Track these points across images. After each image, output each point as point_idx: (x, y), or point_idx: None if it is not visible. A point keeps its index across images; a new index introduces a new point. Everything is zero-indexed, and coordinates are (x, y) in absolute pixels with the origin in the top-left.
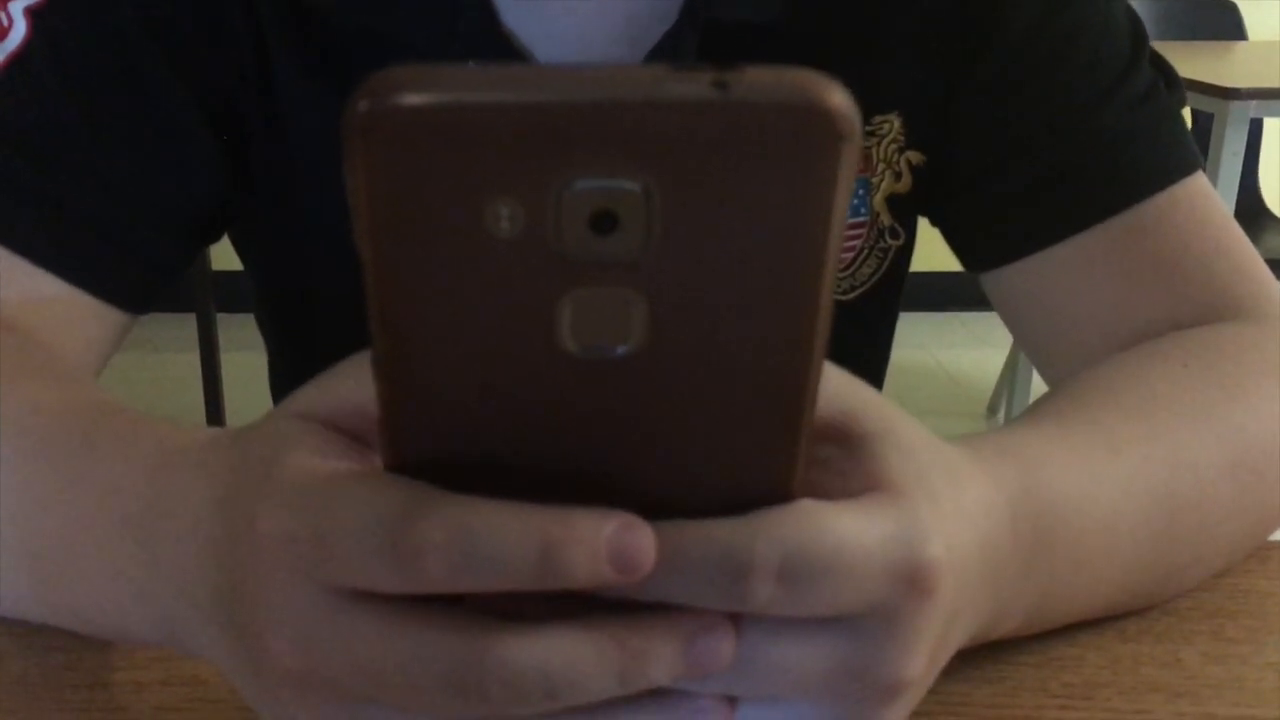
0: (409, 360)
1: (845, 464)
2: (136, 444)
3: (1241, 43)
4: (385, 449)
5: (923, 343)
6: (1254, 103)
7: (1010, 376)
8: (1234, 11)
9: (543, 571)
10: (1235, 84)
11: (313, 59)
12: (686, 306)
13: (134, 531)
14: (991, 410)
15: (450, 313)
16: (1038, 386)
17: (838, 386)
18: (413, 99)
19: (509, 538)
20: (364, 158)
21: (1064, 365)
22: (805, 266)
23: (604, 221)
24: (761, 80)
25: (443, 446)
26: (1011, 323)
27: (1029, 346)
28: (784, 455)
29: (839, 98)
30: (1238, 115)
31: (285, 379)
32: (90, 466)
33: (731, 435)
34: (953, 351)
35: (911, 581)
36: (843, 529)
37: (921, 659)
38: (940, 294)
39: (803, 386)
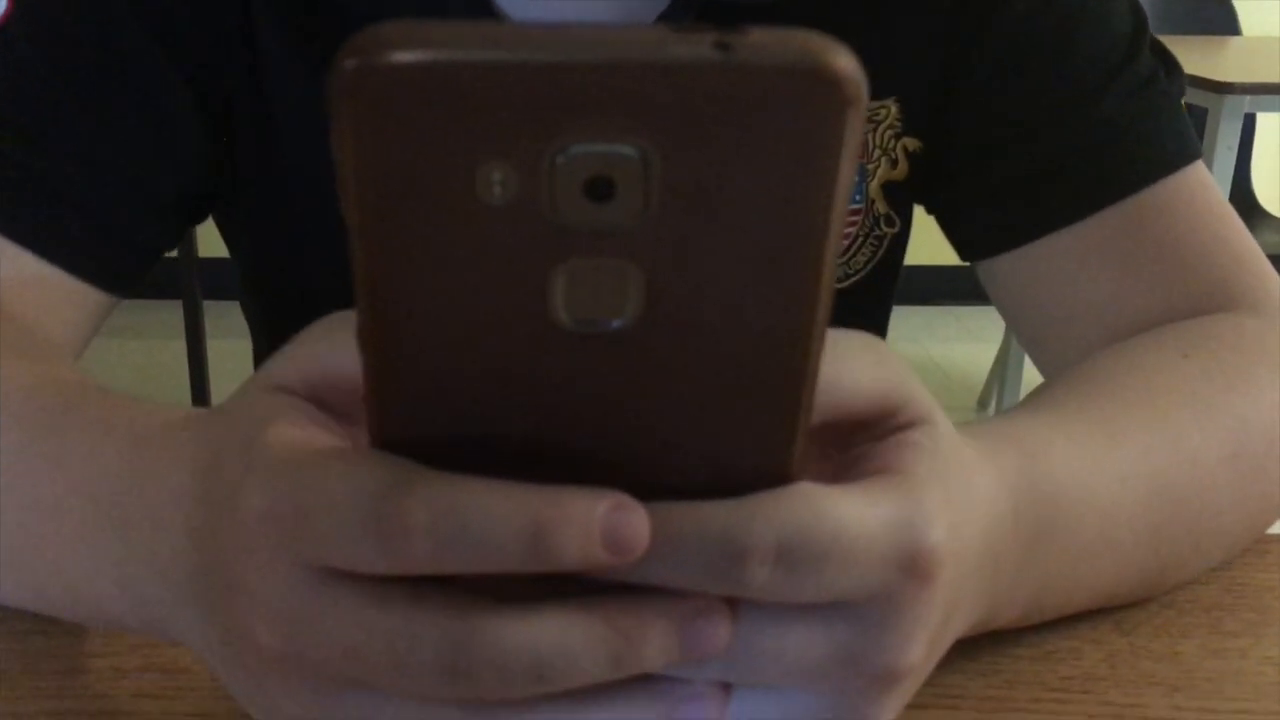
0: (395, 332)
1: (877, 450)
2: (112, 422)
3: (1235, 37)
4: (371, 424)
5: (914, 336)
6: (1248, 97)
7: (1001, 371)
8: (1228, 6)
9: (533, 553)
10: (1229, 78)
11: (301, 39)
12: (684, 278)
13: (110, 512)
14: (982, 404)
15: (439, 283)
16: (1029, 381)
17: (892, 374)
18: (402, 57)
19: (498, 518)
20: (350, 119)
21: (1061, 356)
22: (807, 237)
23: (600, 188)
24: (765, 42)
25: (430, 422)
26: (1007, 313)
27: (1025, 337)
28: (783, 435)
29: (845, 61)
30: (1231, 109)
31: None
32: (64, 446)
33: (729, 414)
34: (944, 345)
35: (912, 568)
36: (842, 512)
37: (920, 647)
38: (932, 287)
39: (803, 364)
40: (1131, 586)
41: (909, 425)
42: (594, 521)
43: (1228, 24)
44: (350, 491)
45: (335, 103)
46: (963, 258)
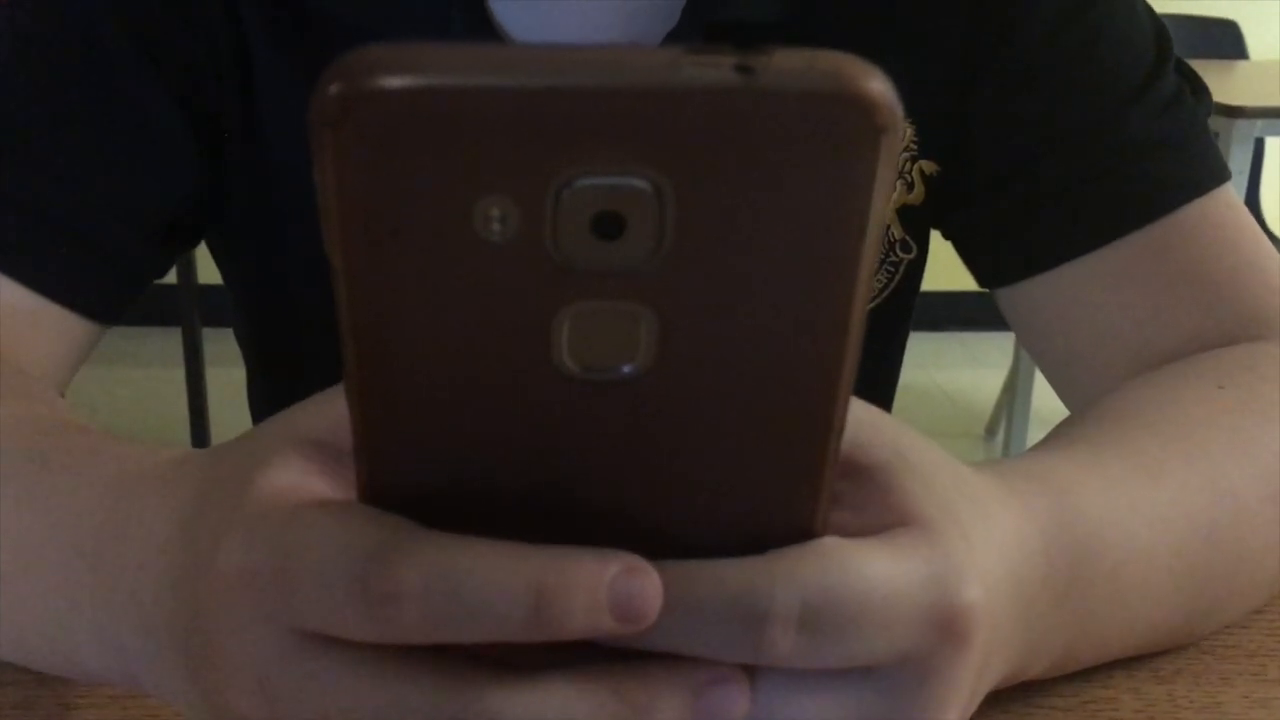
0: (386, 381)
1: (859, 497)
2: (94, 463)
3: (1243, 62)
4: (361, 478)
5: (920, 363)
6: (1259, 121)
7: (1009, 398)
8: (1235, 30)
9: (535, 622)
10: (1239, 102)
11: (293, 54)
12: (701, 322)
13: (89, 559)
14: (990, 432)
15: (433, 328)
16: (1037, 408)
17: None
18: (391, 81)
19: (497, 583)
20: (335, 150)
21: (1086, 386)
22: (836, 277)
23: (609, 225)
24: (790, 65)
25: (424, 477)
26: (1029, 342)
27: (1047, 366)
28: (806, 488)
29: (878, 85)
30: (1242, 134)
31: (264, 395)
32: (42, 488)
33: (749, 466)
34: (950, 372)
35: (946, 628)
36: (871, 570)
37: (955, 713)
38: (938, 313)
39: (829, 411)
40: (1169, 633)
41: (883, 464)
42: (601, 587)
43: (1235, 48)
44: (335, 551)
45: (318, 132)
46: (981, 285)
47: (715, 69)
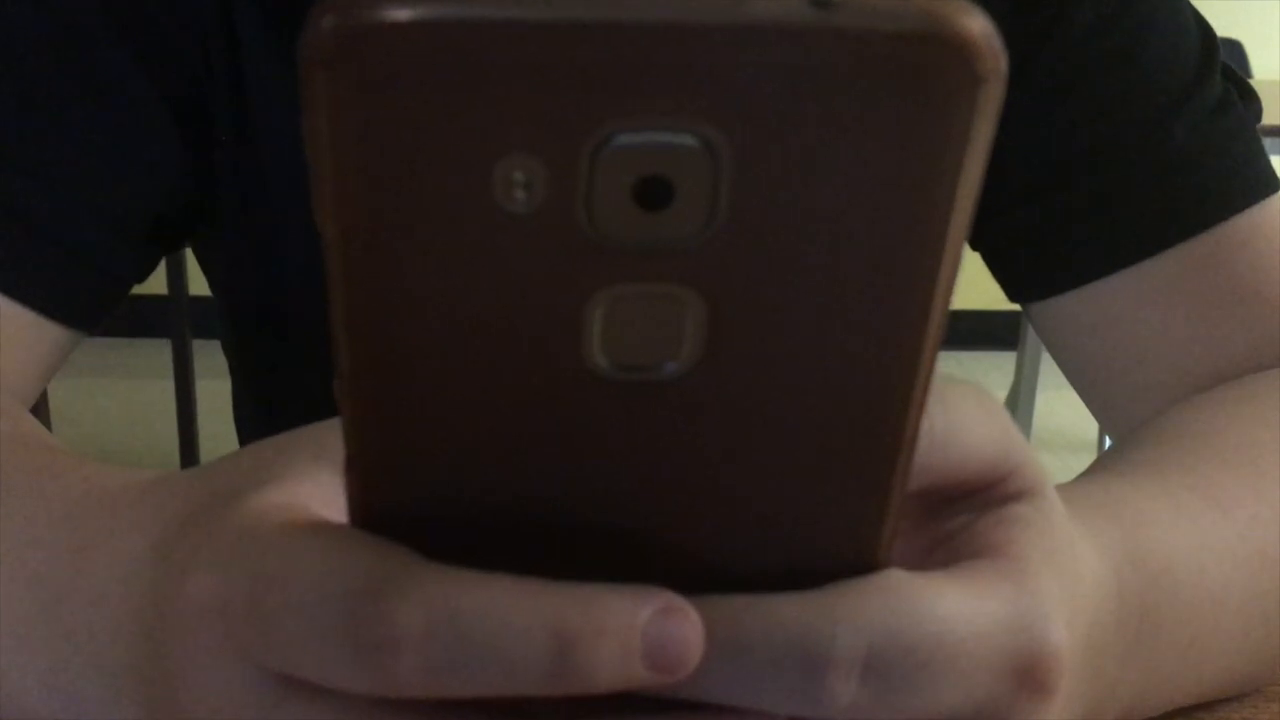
0: (386, 379)
1: (970, 522)
2: (55, 485)
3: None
4: (353, 498)
5: None
6: (1268, 140)
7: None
8: (1239, 50)
9: (557, 672)
10: None
11: (287, 49)
12: (757, 311)
13: (42, 591)
14: None
15: (441, 315)
16: (1037, 429)
17: (1005, 434)
18: (396, 14)
19: (512, 627)
20: (328, 97)
21: (1128, 408)
22: (918, 258)
23: (654, 192)
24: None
25: (428, 497)
26: (1063, 359)
27: (1084, 386)
28: (872, 512)
29: (979, 25)
30: None
31: (248, 407)
32: None
33: (806, 484)
34: None
35: (1028, 678)
36: (946, 610)
37: None
38: None
39: (902, 423)
40: (1237, 679)
41: (1016, 496)
42: (634, 631)
43: (1239, 67)
44: (320, 585)
45: (308, 76)
46: (1012, 299)
47: (785, 2)
